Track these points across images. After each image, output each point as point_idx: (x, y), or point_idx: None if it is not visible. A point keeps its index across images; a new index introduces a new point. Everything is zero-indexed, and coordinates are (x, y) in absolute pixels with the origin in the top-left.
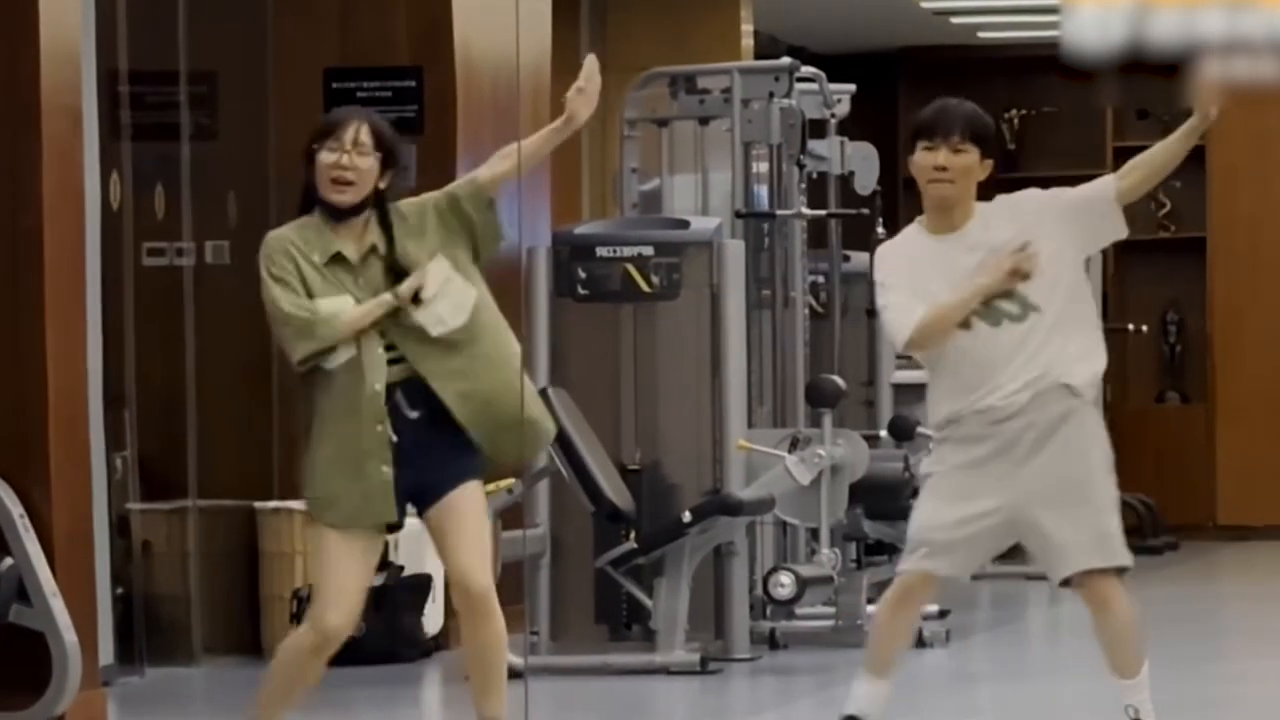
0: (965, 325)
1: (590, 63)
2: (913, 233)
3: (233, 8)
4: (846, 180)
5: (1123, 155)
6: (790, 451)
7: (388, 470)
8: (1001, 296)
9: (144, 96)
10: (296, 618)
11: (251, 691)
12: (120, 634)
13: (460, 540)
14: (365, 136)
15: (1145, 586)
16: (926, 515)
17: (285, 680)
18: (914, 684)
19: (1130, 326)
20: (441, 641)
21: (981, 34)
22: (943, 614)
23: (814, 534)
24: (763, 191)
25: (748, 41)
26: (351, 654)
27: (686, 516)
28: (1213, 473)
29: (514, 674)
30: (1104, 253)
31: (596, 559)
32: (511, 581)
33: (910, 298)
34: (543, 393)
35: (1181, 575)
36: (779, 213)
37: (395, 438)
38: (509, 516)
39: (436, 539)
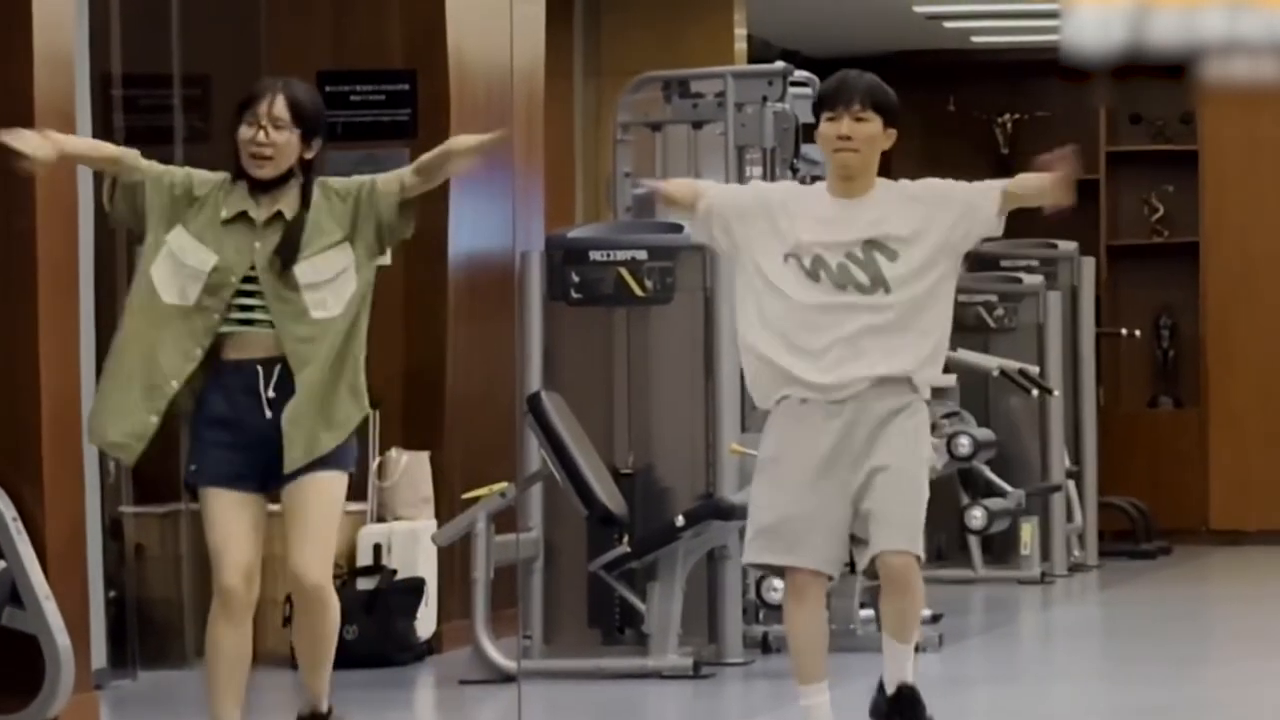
0: (813, 277)
1: (498, 136)
2: (818, 188)
3: (226, 11)
4: None
5: (1116, 159)
6: None
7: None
8: (856, 262)
9: (138, 100)
10: (289, 621)
11: (244, 694)
12: (113, 637)
13: (302, 532)
14: (281, 110)
15: (1138, 590)
16: (780, 507)
17: (211, 659)
18: None
19: (1123, 331)
20: (434, 645)
21: (975, 38)
22: (936, 618)
23: None
24: None
25: (741, 46)
26: (343, 657)
27: (679, 520)
28: (1205, 477)
29: (507, 678)
30: (1097, 257)
31: (589, 563)
32: (504, 585)
33: (717, 196)
34: (534, 397)
35: (1174, 579)
36: None
37: (268, 413)
38: (502, 520)
39: (285, 521)
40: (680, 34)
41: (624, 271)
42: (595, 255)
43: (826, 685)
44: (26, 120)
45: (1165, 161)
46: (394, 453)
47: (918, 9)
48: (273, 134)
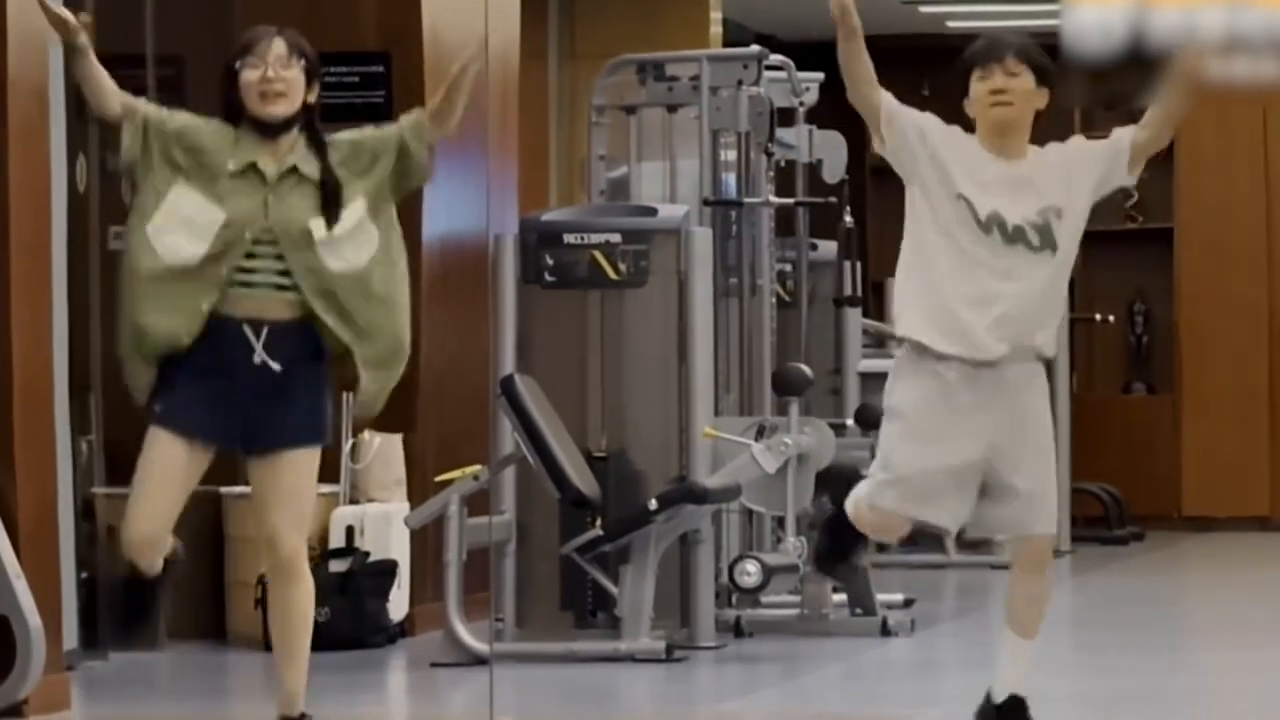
0: (985, 229)
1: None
2: (969, 135)
3: None
4: (814, 168)
5: None
6: (757, 439)
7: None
8: (1032, 226)
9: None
10: (261, 603)
11: (216, 677)
12: (84, 618)
13: (278, 499)
14: (283, 49)
15: (1111, 576)
16: (909, 455)
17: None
18: (879, 672)
19: (1097, 316)
20: (406, 627)
21: (950, 23)
22: (908, 603)
23: (780, 522)
24: (730, 179)
25: (716, 29)
26: (315, 639)
27: (652, 504)
28: (1178, 463)
29: (479, 661)
30: None
31: (562, 546)
32: (477, 568)
33: (901, 107)
34: (508, 380)
35: (1146, 565)
36: (746, 200)
37: (269, 366)
38: (475, 503)
39: (255, 490)
40: (655, 17)
41: (598, 254)
42: (569, 238)
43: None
44: (0, 100)
45: None
46: (367, 435)
47: None
48: (281, 71)
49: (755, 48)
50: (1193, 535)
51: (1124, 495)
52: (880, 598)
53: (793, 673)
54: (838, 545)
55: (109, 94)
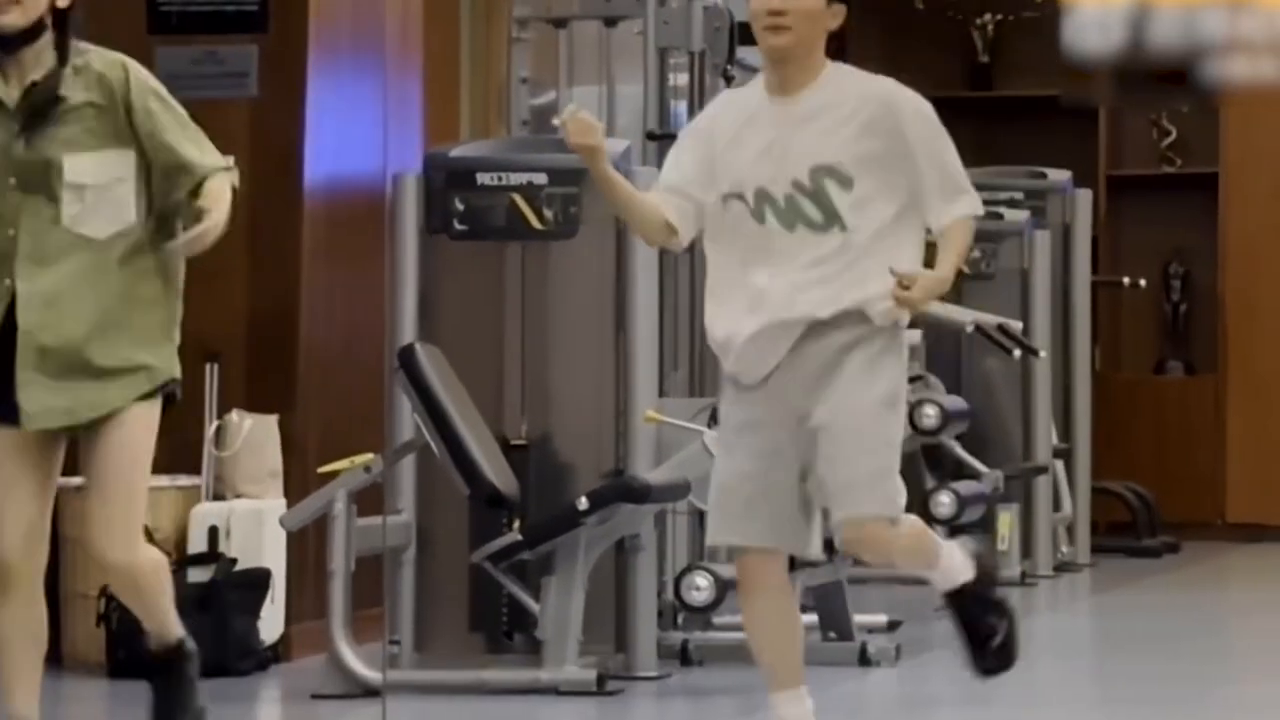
0: (759, 219)
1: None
2: (753, 87)
3: None
4: None
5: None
6: (710, 426)
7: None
8: (805, 194)
9: None
10: (105, 619)
11: (49, 709)
12: None
13: (96, 497)
14: None
15: (1140, 594)
16: (720, 473)
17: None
18: (857, 710)
19: (1125, 280)
20: (281, 651)
21: None
22: (892, 626)
23: None
24: (681, 108)
25: None
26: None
27: (582, 503)
28: (1222, 459)
29: (370, 691)
30: (1095, 190)
31: (472, 553)
32: (368, 580)
33: (677, 171)
34: (408, 350)
35: (1183, 582)
36: None
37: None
38: (366, 500)
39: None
40: None
41: (518, 199)
42: (484, 178)
43: (805, 692)
44: None
45: None
46: (235, 416)
47: None
48: None
49: None
50: (1238, 546)
51: (1155, 497)
52: (858, 619)
53: (749, 708)
54: None
55: None
